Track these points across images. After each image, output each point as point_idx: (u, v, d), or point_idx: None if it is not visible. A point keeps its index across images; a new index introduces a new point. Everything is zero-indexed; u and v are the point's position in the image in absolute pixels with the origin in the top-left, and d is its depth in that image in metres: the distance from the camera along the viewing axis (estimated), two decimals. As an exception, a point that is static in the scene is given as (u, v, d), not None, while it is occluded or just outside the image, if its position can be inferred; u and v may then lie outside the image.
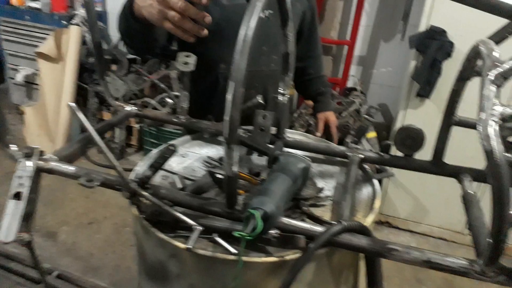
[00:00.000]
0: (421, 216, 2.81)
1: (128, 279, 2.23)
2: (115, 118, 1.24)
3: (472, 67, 0.86)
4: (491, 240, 0.63)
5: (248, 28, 0.72)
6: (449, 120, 1.00)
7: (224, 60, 1.48)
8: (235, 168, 0.75)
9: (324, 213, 0.93)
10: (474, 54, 0.81)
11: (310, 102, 1.92)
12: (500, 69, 0.63)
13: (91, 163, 3.51)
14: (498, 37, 0.82)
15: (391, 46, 3.43)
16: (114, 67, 3.83)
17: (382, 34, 3.43)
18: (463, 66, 0.89)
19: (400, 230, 2.88)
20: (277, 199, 0.76)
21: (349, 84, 3.53)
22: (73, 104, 0.79)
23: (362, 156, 1.11)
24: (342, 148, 1.16)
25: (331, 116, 1.81)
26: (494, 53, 0.67)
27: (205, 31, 0.96)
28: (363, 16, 3.34)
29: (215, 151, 1.22)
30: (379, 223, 2.93)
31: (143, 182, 0.86)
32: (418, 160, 1.07)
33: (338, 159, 1.19)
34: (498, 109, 0.62)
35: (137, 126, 3.77)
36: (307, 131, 3.16)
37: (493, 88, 0.63)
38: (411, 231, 2.86)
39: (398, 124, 2.66)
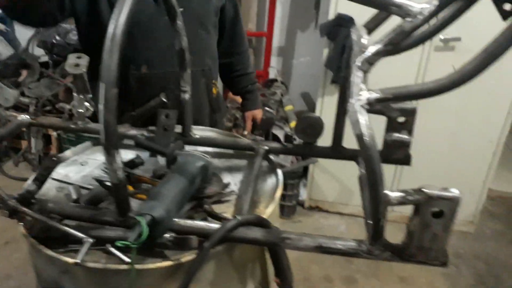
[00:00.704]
0: (347, 197, 2.92)
1: (51, 297, 2.10)
2: (4, 130, 1.14)
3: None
4: (371, 221, 0.66)
5: (116, 25, 0.68)
6: (343, 106, 1.03)
7: (133, 61, 1.43)
8: (121, 174, 0.71)
9: (228, 208, 0.92)
10: (353, 41, 0.84)
11: (238, 98, 1.92)
12: (365, 55, 0.65)
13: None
14: (373, 24, 0.85)
15: (307, 35, 3.51)
16: (24, 72, 3.58)
17: (298, 24, 3.50)
18: (347, 54, 0.91)
19: (329, 213, 2.97)
20: (168, 202, 0.74)
21: (271, 75, 3.57)
22: None
23: (267, 147, 1.12)
24: (248, 141, 1.16)
25: (259, 114, 1.80)
26: (361, 40, 0.69)
27: None
28: (278, 7, 3.38)
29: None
30: (310, 208, 3.01)
31: (26, 197, 0.79)
32: (319, 147, 1.09)
33: (247, 152, 1.19)
34: (365, 94, 0.64)
35: (54, 133, 3.55)
36: (235, 125, 3.16)
37: (359, 74, 0.65)
38: (340, 213, 2.97)
39: (317, 112, 2.73)
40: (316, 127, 1.06)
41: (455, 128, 2.54)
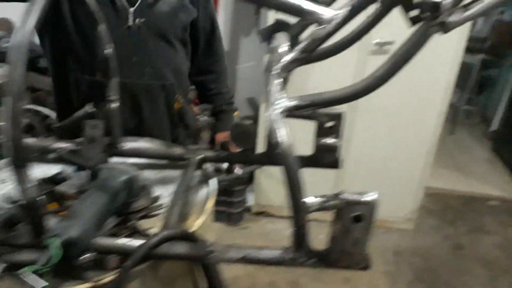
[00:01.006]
0: (293, 201, 2.95)
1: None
2: None
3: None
4: (293, 228, 0.66)
5: (23, 32, 0.64)
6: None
7: (89, 67, 1.39)
8: (32, 193, 0.67)
9: (157, 223, 0.89)
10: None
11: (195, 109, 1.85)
12: (281, 64, 0.65)
13: None
14: (296, 30, 0.86)
15: (251, 40, 3.53)
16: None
17: (241, 29, 3.51)
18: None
19: (276, 217, 2.98)
20: (86, 221, 0.70)
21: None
22: None
23: (202, 156, 1.10)
24: (181, 150, 1.14)
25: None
26: (279, 48, 0.69)
27: None
28: (220, 12, 3.37)
29: (43, 171, 1.10)
30: (257, 214, 3.01)
31: None
32: (254, 154, 1.09)
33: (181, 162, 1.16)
34: (283, 102, 0.64)
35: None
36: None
37: (277, 82, 0.64)
38: (286, 217, 2.99)
39: (261, 117, 2.74)
40: (248, 134, 1.06)
41: (390, 129, 2.64)
